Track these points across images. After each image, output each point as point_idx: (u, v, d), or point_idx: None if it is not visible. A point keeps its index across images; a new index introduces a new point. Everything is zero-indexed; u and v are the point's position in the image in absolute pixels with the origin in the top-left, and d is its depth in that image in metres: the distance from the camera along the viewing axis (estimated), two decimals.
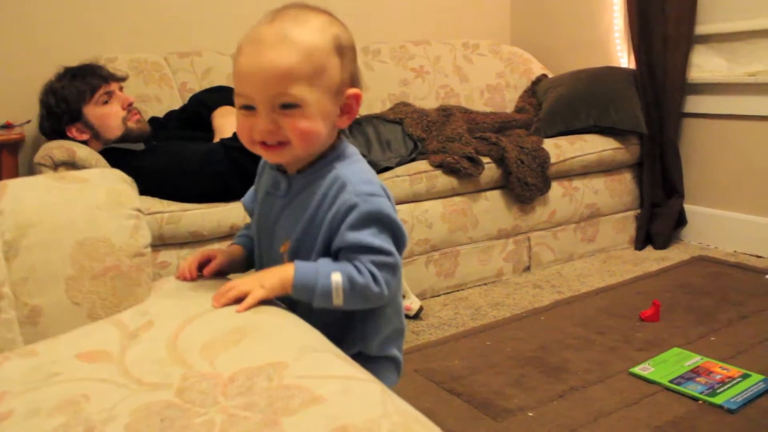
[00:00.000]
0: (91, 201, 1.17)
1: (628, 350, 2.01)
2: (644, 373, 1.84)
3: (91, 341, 0.97)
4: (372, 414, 0.70)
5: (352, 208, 1.01)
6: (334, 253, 1.04)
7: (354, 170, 1.07)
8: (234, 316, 0.96)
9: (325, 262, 1.03)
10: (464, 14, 3.72)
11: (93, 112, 2.26)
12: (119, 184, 1.22)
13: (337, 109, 1.05)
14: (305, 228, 1.06)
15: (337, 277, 1.01)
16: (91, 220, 1.14)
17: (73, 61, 2.48)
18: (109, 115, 2.27)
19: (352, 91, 1.06)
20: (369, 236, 1.01)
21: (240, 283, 1.03)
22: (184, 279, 1.16)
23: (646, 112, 2.93)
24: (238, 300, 1.00)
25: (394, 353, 1.17)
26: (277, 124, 1.00)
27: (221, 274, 1.20)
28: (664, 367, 1.87)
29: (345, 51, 1.05)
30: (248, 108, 1.01)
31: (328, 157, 1.08)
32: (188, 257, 1.19)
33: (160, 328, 0.97)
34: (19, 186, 1.16)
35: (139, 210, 1.20)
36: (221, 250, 1.23)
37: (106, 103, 2.27)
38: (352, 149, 1.12)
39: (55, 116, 2.25)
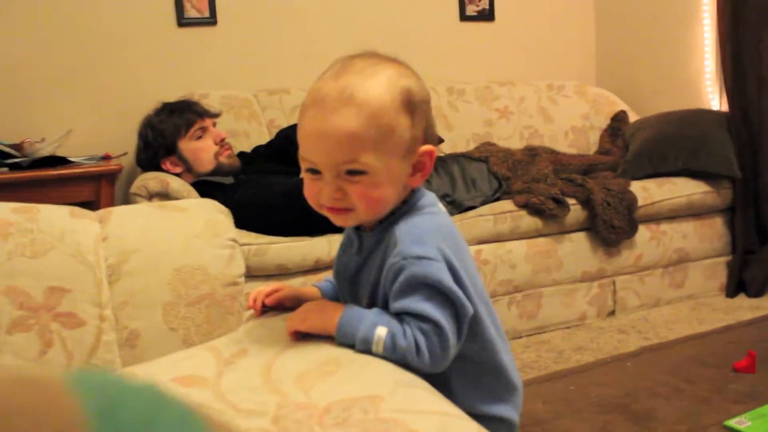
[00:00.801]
0: (189, 230, 1.20)
1: (722, 402, 1.92)
2: (741, 427, 1.75)
3: (187, 366, 0.99)
4: None
5: (399, 272, 0.94)
6: None
7: (412, 227, 0.98)
8: (327, 348, 0.96)
9: (376, 312, 0.96)
10: (549, 55, 3.71)
11: (187, 146, 2.34)
12: (216, 214, 1.26)
13: (409, 168, 0.98)
14: (373, 289, 1.02)
15: (381, 332, 0.93)
16: (189, 249, 1.18)
17: (168, 97, 2.60)
18: (202, 150, 2.35)
19: (425, 148, 0.98)
20: (416, 302, 0.92)
21: (292, 314, 1.02)
22: (250, 308, 1.13)
23: (739, 155, 2.83)
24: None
25: (502, 413, 1.06)
26: (343, 191, 0.95)
27: (286, 308, 1.12)
28: (763, 422, 1.77)
29: (416, 106, 0.97)
30: (314, 172, 0.96)
31: (397, 213, 1.00)
32: (257, 288, 1.15)
33: (254, 356, 0.98)
34: (123, 213, 1.21)
35: (234, 240, 1.23)
36: (290, 285, 1.20)
37: (200, 138, 2.36)
38: (427, 200, 1.03)
39: (152, 149, 2.35)
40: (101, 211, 1.20)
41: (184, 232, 1.20)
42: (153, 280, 1.14)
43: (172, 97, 2.71)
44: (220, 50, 3.01)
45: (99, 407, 0.32)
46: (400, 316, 0.94)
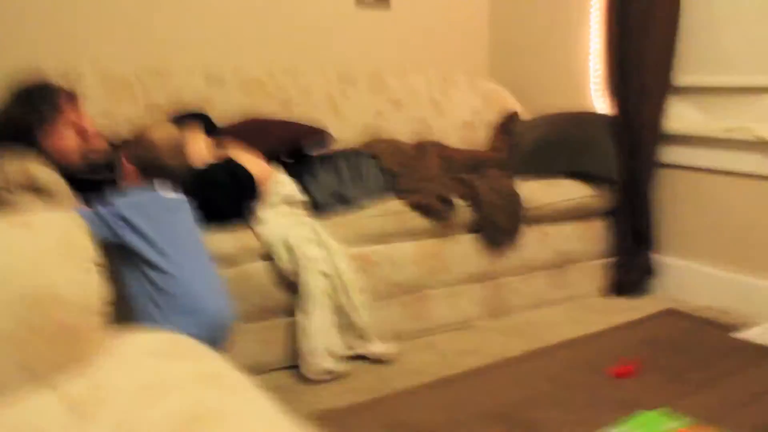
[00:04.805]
0: (39, 248, 1.06)
1: (601, 410, 1.95)
2: None
3: (27, 419, 0.86)
4: None
5: None
6: None
7: None
8: (193, 395, 0.86)
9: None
10: (443, 46, 3.68)
11: (48, 144, 2.09)
12: (72, 230, 1.12)
13: None
14: None
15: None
16: (38, 271, 1.04)
17: (46, 62, 2.48)
18: (64, 147, 2.11)
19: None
20: None
21: None
22: None
23: (621, 159, 2.90)
24: None
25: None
26: None
27: None
28: (642, 429, 1.80)
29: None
30: None
31: None
32: None
33: (112, 407, 0.87)
34: None
35: (93, 261, 1.10)
36: None
37: (61, 133, 2.11)
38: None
39: (9, 145, 2.10)
40: None
41: (33, 251, 1.05)
42: None
43: (51, 60, 2.55)
44: (98, 20, 2.78)
45: None
46: None
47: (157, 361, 1.01)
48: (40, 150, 2.08)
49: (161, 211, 1.83)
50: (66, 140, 2.11)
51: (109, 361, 1.04)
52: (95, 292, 1.08)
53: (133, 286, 1.76)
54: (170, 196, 1.88)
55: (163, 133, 1.97)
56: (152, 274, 1.73)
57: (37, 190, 1.96)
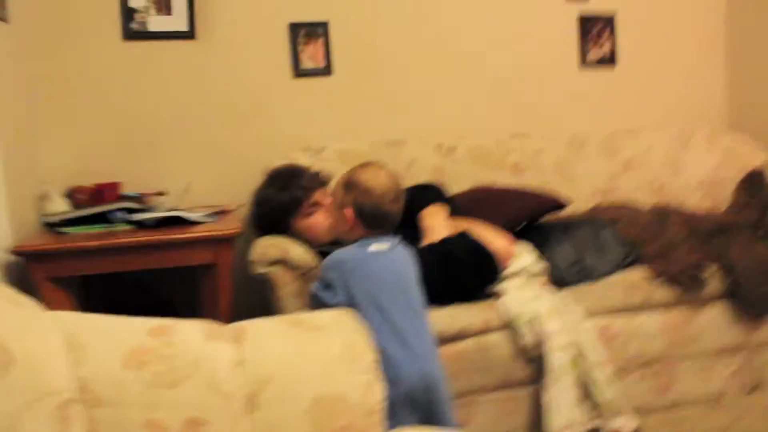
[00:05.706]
0: (326, 354, 1.13)
1: None
2: None
3: None
4: None
5: None
6: None
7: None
8: None
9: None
10: (674, 100, 3.46)
11: (300, 224, 2.28)
12: (354, 334, 1.18)
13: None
14: None
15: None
16: (327, 375, 1.11)
17: (285, 148, 2.68)
18: (315, 226, 2.28)
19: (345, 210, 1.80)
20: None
21: None
22: None
23: None
24: None
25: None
26: None
27: None
28: None
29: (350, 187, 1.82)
30: None
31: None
32: None
33: None
34: (258, 332, 1.15)
35: (373, 364, 1.15)
36: None
37: (311, 215, 2.29)
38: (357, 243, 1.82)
39: (264, 228, 2.31)
40: (236, 329, 1.15)
41: (322, 356, 1.13)
42: (291, 411, 1.08)
43: (289, 147, 2.71)
44: (337, 101, 2.98)
45: None
46: None
47: None
48: (292, 228, 2.27)
49: (378, 273, 1.72)
50: (317, 222, 2.27)
51: None
52: (376, 394, 1.13)
53: None
54: (385, 247, 1.78)
55: (377, 178, 1.81)
56: None
57: (288, 264, 2.10)
